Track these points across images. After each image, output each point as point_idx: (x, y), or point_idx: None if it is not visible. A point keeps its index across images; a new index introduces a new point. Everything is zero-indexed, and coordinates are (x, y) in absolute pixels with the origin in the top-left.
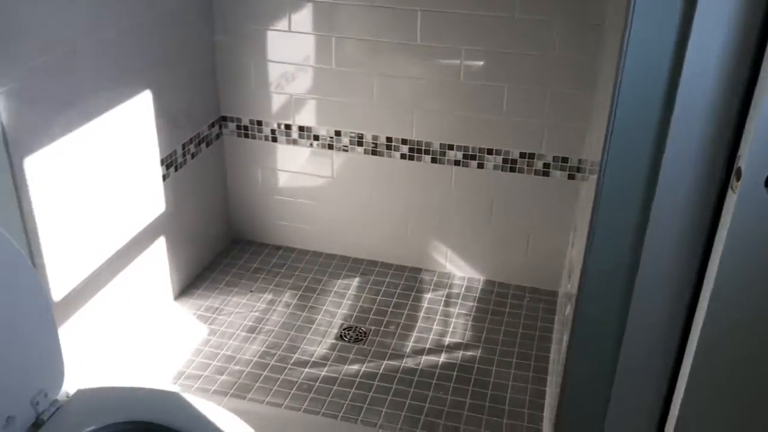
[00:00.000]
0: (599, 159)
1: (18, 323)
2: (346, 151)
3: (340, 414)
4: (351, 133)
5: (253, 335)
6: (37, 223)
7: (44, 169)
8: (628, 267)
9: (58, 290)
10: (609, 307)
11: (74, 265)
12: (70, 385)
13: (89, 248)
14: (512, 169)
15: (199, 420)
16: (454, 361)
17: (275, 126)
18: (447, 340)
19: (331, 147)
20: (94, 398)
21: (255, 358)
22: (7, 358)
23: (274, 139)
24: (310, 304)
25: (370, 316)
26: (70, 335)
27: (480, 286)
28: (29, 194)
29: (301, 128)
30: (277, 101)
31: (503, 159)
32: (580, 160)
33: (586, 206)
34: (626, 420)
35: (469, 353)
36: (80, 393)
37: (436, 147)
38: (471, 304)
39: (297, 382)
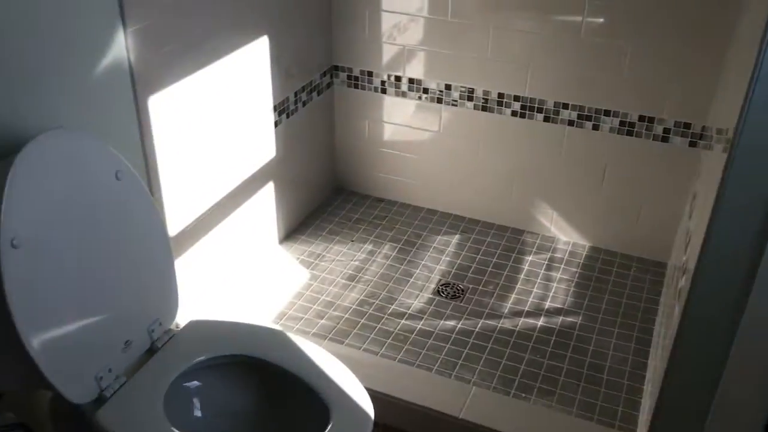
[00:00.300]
0: (732, 128)
1: (139, 254)
2: (455, 105)
3: (434, 367)
4: (461, 87)
5: (353, 284)
6: (158, 160)
7: (166, 108)
8: (755, 244)
9: (173, 226)
10: (729, 284)
11: (189, 203)
12: (182, 317)
13: (203, 188)
14: (629, 133)
15: (303, 359)
16: (552, 326)
17: (385, 77)
18: (547, 304)
19: (440, 101)
20: (204, 330)
21: (353, 306)
22: (128, 287)
23: (383, 91)
24: (408, 258)
25: (469, 274)
26: (183, 270)
27: (585, 252)
28: (152, 132)
29: (410, 80)
30: (388, 52)
31: (620, 121)
32: (703, 127)
33: (710, 177)
34: (736, 402)
35: (569, 319)
36: (192, 324)
37: (549, 105)
38: (574, 270)
39: (393, 332)
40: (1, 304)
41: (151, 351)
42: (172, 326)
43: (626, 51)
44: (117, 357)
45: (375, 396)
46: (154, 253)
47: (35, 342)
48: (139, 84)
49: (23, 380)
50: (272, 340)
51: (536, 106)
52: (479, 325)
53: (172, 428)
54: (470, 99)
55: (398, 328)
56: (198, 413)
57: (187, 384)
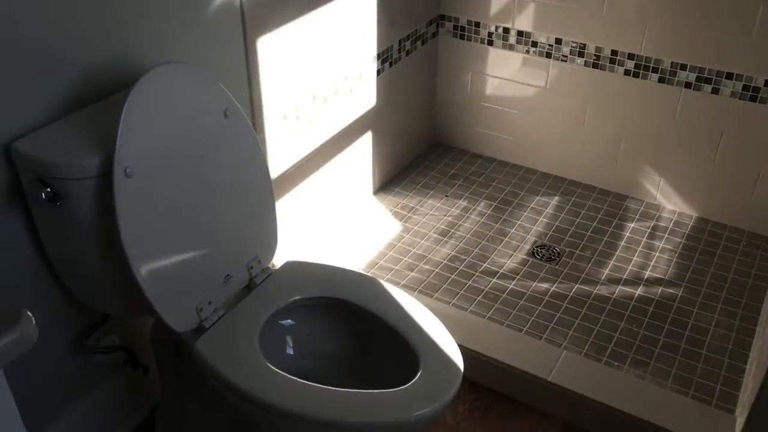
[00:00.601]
0: None
1: (242, 192)
2: (564, 61)
3: (524, 329)
4: (572, 42)
5: (445, 239)
6: (263, 101)
7: (273, 50)
8: None
9: (274, 169)
10: None
11: (289, 147)
12: (278, 257)
13: (304, 133)
14: (752, 98)
15: (395, 307)
16: (651, 296)
17: (492, 29)
18: (647, 273)
19: (548, 56)
20: (300, 271)
21: (444, 261)
22: (231, 223)
23: (490, 43)
24: (504, 217)
25: (566, 238)
26: (280, 212)
27: (691, 223)
28: (259, 73)
29: (519, 33)
30: (497, 2)
31: (743, 86)
32: None
33: None
34: None
35: (670, 291)
36: (289, 264)
37: (666, 65)
38: (678, 240)
39: (484, 290)
40: (113, 231)
41: (249, 287)
42: (270, 265)
43: (757, 10)
44: (217, 290)
45: (462, 351)
46: (256, 193)
47: (143, 270)
48: (249, 24)
49: (129, 306)
50: (366, 286)
51: (651, 65)
52: (574, 290)
53: (267, 362)
54: (581, 55)
55: (489, 286)
56: (290, 351)
57: (281, 321)
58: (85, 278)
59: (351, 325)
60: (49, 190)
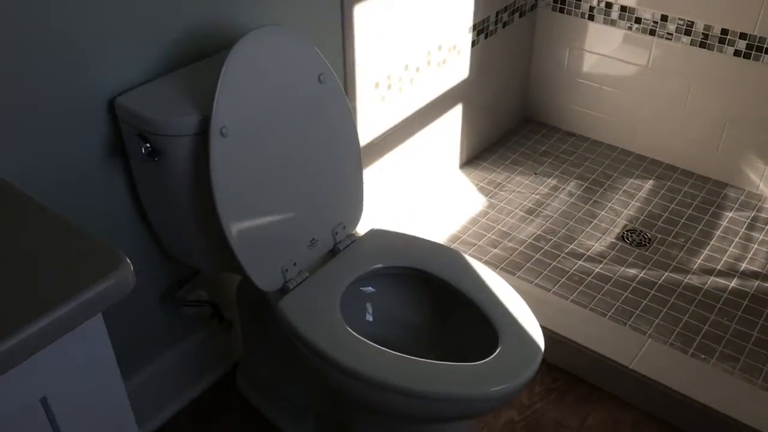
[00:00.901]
0: None
1: (332, 158)
2: (669, 39)
3: (609, 314)
4: (679, 19)
5: (531, 217)
6: (356, 69)
7: (369, 18)
8: None
9: (362, 136)
10: None
11: (379, 115)
12: (362, 225)
13: (394, 102)
14: None
15: (477, 282)
16: (746, 290)
17: (594, 3)
18: (743, 265)
19: (652, 33)
20: (384, 239)
21: (529, 240)
22: (319, 188)
23: (591, 18)
24: (594, 198)
25: (658, 223)
26: (367, 181)
27: None
28: (354, 40)
29: (623, 8)
30: None
31: None
32: None
33: None
34: None
35: (767, 285)
36: (373, 232)
37: None
38: None
39: (568, 272)
40: (207, 189)
41: (333, 252)
42: (353, 232)
43: None
44: (302, 253)
45: (543, 332)
46: (345, 159)
47: (234, 228)
48: None
49: (218, 263)
50: (449, 259)
51: (765, 46)
52: (663, 278)
53: (347, 327)
54: (687, 33)
55: (574, 268)
56: (369, 318)
57: (362, 288)
58: (178, 233)
59: (431, 297)
60: (148, 145)
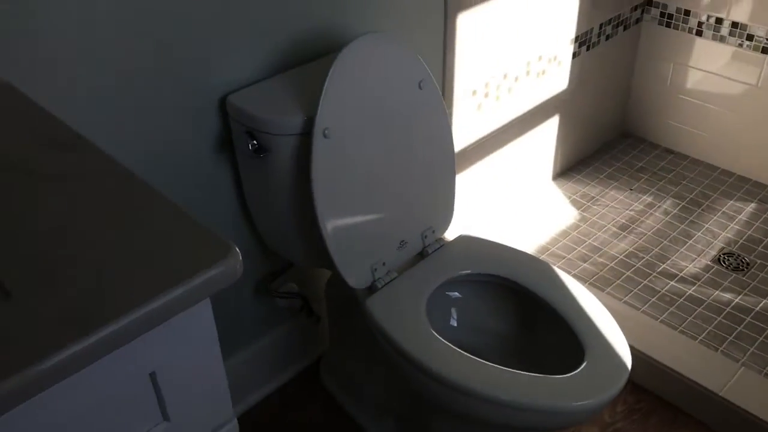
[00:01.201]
0: None
1: (426, 163)
2: None
3: (700, 337)
4: None
5: (624, 233)
6: (455, 75)
7: (471, 26)
8: None
9: (457, 142)
10: None
11: (475, 123)
12: (451, 230)
13: (491, 110)
14: None
15: (566, 295)
16: None
17: (704, 18)
18: None
19: (765, 51)
20: (473, 246)
21: (621, 256)
22: (412, 191)
23: (699, 33)
24: (691, 218)
25: (759, 248)
26: (459, 186)
27: None
28: (454, 47)
29: (734, 24)
30: None
31: None
32: None
33: None
34: None
35: None
36: (462, 238)
37: None
38: None
39: (659, 292)
40: (306, 186)
41: (422, 255)
42: (443, 236)
43: None
44: (392, 253)
45: (630, 350)
46: (439, 165)
47: (329, 225)
48: (450, 1)
49: (311, 258)
50: (538, 269)
51: None
52: (761, 305)
53: (431, 330)
54: None
55: (666, 288)
56: (453, 322)
57: (448, 293)
58: (276, 227)
59: (517, 307)
60: (255, 142)
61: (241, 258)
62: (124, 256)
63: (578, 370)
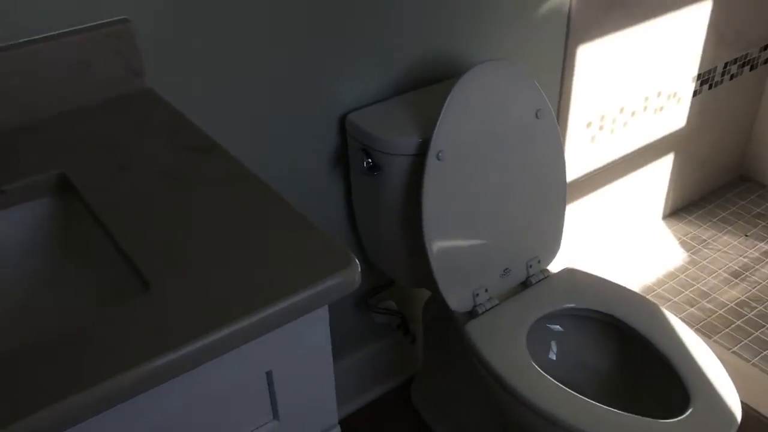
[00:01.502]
0: None
1: (537, 192)
2: None
3: None
4: None
5: (736, 280)
6: (571, 105)
7: (590, 58)
8: None
9: (568, 173)
10: None
11: (588, 154)
12: (557, 261)
13: (605, 143)
14: None
15: (673, 337)
16: None
17: None
18: None
19: None
20: (577, 279)
21: (731, 304)
22: (520, 219)
23: None
24: None
25: None
26: (566, 218)
27: None
28: (572, 77)
29: None
30: None
31: None
32: None
33: None
34: None
35: None
36: (567, 271)
37: None
38: None
39: None
40: (416, 206)
41: (525, 284)
42: (548, 267)
43: None
44: (494, 280)
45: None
46: (550, 195)
47: (435, 247)
48: (572, 31)
49: (413, 277)
50: (645, 309)
51: None
52: None
53: (531, 361)
54: None
55: None
56: (552, 356)
57: (549, 325)
58: (382, 244)
59: (620, 345)
60: (370, 160)
61: (360, 269)
62: (254, 258)
63: (683, 416)
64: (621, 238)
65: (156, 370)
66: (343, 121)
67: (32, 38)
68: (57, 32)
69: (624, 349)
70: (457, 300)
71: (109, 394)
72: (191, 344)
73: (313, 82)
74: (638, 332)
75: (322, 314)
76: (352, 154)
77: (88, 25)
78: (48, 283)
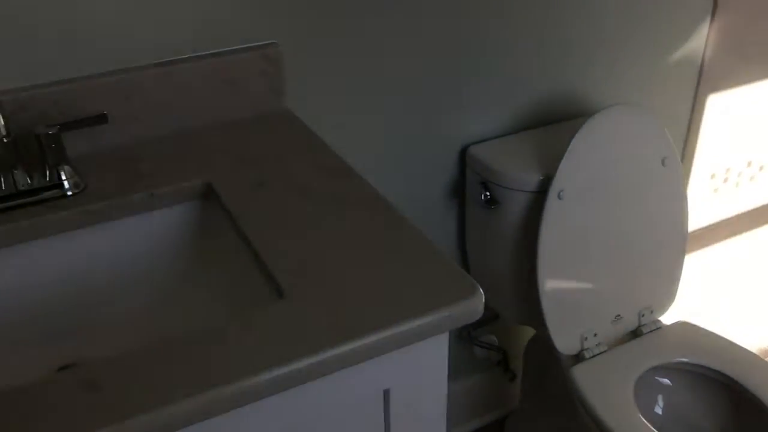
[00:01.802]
0: None
1: (656, 240)
2: None
3: None
4: None
5: None
6: (696, 155)
7: (720, 108)
8: None
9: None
10: None
11: (710, 206)
12: (670, 312)
13: (729, 196)
14: None
15: None
16: None
17: None
18: None
19: None
20: (691, 334)
21: None
22: (637, 266)
23: None
24: None
25: None
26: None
27: None
28: (700, 127)
29: None
30: None
31: None
32: None
33: None
34: None
35: None
36: (681, 324)
37: None
38: None
39: None
40: (531, 243)
41: (635, 333)
42: (660, 318)
43: None
44: (605, 325)
45: None
46: (669, 244)
47: (548, 285)
48: (704, 80)
49: (520, 314)
50: (762, 371)
51: None
52: None
53: (639, 414)
54: None
55: None
56: (658, 410)
57: (658, 378)
58: (492, 277)
59: (732, 406)
60: (488, 193)
61: (484, 299)
62: (384, 278)
63: None
64: (740, 294)
65: (282, 377)
66: (463, 153)
67: (186, 56)
68: (210, 51)
69: (736, 411)
70: (564, 341)
71: (234, 396)
72: (321, 354)
73: (435, 114)
74: (754, 394)
75: (443, 339)
76: (470, 187)
77: (242, 46)
78: (184, 283)
